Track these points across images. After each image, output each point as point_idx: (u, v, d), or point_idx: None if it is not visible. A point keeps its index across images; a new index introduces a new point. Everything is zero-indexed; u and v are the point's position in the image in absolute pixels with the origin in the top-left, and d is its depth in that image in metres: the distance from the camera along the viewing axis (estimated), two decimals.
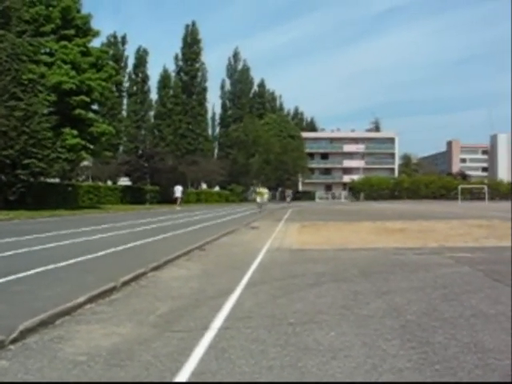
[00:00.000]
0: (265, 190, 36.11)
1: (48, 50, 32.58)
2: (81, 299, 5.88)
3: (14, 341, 4.37)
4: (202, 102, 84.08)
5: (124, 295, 6.60)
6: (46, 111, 28.17)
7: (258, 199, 34.48)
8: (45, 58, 31.02)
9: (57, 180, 38.05)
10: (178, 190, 44.14)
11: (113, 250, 10.92)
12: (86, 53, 33.60)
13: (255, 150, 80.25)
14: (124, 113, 76.92)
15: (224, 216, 28.67)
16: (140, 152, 63.46)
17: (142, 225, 19.93)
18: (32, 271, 7.77)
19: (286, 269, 8.79)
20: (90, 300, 6.06)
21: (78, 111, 31.98)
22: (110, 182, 64.57)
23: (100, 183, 59.71)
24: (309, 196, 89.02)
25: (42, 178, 29.68)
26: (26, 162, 27.04)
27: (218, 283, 7.40)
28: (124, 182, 63.32)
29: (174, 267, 9.17)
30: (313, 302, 5.95)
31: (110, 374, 3.64)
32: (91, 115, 33.97)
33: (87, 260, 9.31)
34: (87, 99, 32.60)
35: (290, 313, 5.43)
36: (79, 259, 9.26)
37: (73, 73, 31.45)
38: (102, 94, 33.99)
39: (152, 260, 9.16)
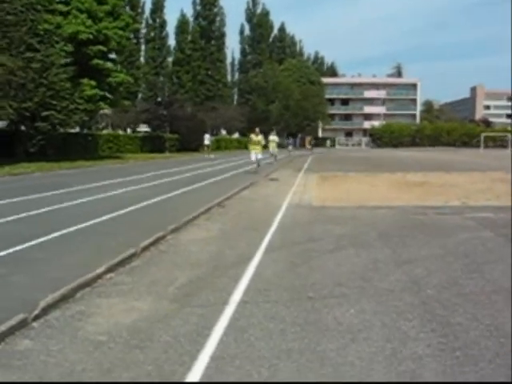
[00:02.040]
0: (273, 138, 31.31)
1: None
2: (100, 269, 5.92)
3: (36, 318, 4.43)
4: (220, 48, 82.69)
5: (143, 262, 6.63)
6: (63, 62, 27.87)
7: (270, 149, 31.10)
8: (60, 7, 30.46)
9: (77, 129, 38.09)
10: (207, 138, 44.23)
11: (133, 207, 10.97)
12: (101, 1, 32.90)
13: (275, 96, 79.31)
14: (142, 60, 76.11)
15: (244, 165, 28.61)
16: (159, 99, 63.10)
17: (163, 176, 19.99)
18: (52, 235, 7.84)
19: (306, 230, 8.77)
20: (110, 269, 6.09)
21: (95, 61, 31.66)
22: (129, 131, 64.62)
23: (120, 131, 59.77)
24: (329, 142, 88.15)
25: (61, 130, 29.68)
26: (45, 114, 27.02)
27: (237, 247, 7.41)
28: (143, 129, 63.35)
29: (194, 228, 9.19)
30: (332, 272, 5.93)
31: (129, 356, 3.67)
32: (109, 65, 33.61)
33: (107, 220, 9.37)
34: (104, 49, 32.19)
35: (309, 285, 5.41)
36: (99, 220, 9.32)
37: (89, 22, 30.95)
38: (119, 43, 33.49)
39: (172, 220, 9.19)
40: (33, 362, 3.59)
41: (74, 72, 28.58)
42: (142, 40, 76.02)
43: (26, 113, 26.12)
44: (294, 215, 10.45)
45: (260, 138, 23.28)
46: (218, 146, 66.99)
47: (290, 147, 50.71)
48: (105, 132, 49.24)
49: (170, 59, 79.92)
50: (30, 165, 25.18)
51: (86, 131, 43.75)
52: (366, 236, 8.18)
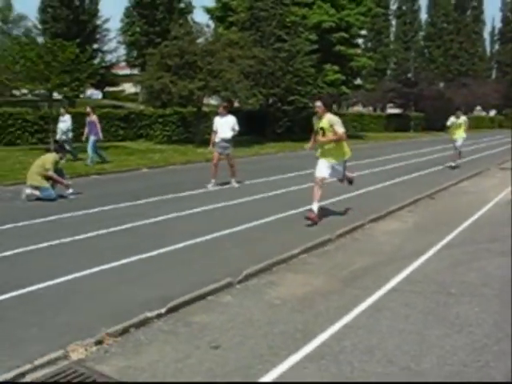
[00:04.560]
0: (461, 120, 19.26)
1: None
2: (297, 250, 7.62)
3: (239, 282, 6.32)
4: (477, 18, 78.19)
5: (335, 247, 8.13)
6: (307, 50, 30.60)
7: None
8: None
9: None
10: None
11: (347, 195, 12.42)
12: None
13: None
14: (392, 37, 76.15)
15: (482, 150, 27.89)
16: (409, 75, 63.08)
17: (394, 161, 21.03)
18: (272, 217, 9.80)
19: (494, 231, 9.25)
20: (305, 251, 7.76)
21: (338, 47, 33.87)
22: (377, 110, 65.84)
23: (366, 110, 61.53)
24: None
25: (304, 113, 32.62)
26: (291, 98, 30.22)
27: (419, 242, 8.41)
28: (391, 109, 64.02)
29: (392, 219, 10.26)
30: (487, 273, 6.71)
31: (290, 317, 5.28)
32: (351, 50, 35.50)
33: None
34: (346, 35, 34.15)
35: (458, 282, 6.35)
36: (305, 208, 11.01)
37: (332, 11, 33.17)
38: (361, 28, 35.10)
39: (376, 210, 10.46)
40: (229, 311, 5.43)
41: (317, 59, 31.18)
42: (391, 17, 75.83)
43: (274, 97, 29.56)
44: (493, 214, 10.75)
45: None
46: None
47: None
48: (350, 111, 51.44)
49: (420, 35, 78.33)
50: (276, 145, 28.48)
51: (333, 110, 46.39)
52: None
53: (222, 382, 3.99)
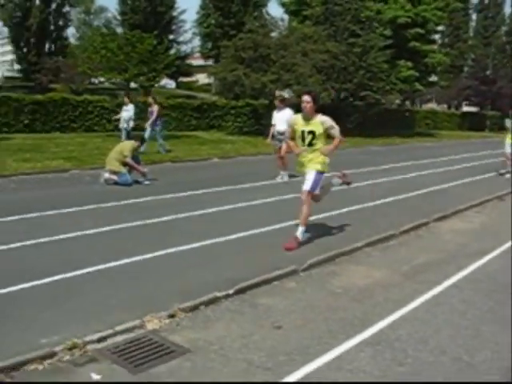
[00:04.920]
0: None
1: None
2: (361, 243, 7.85)
3: (303, 270, 6.62)
4: None
5: (398, 243, 8.28)
6: (381, 45, 30.33)
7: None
8: None
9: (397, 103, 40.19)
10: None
11: (412, 193, 12.46)
12: None
13: None
14: (471, 32, 73.68)
15: None
16: (483, 75, 60.94)
17: (463, 161, 20.68)
18: (336, 211, 10.04)
19: None
20: (369, 244, 7.96)
21: (412, 43, 33.36)
22: (451, 108, 64.11)
23: (440, 108, 60.07)
24: None
25: (376, 109, 32.43)
26: (363, 94, 30.11)
27: (484, 242, 8.40)
28: (467, 107, 62.22)
29: (458, 219, 10.24)
30: None
31: (350, 305, 5.54)
32: (426, 47, 34.86)
33: (383, 204, 11.17)
34: (422, 31, 33.57)
35: None
36: (375, 203, 11.14)
37: (408, 6, 32.67)
38: (438, 24, 34.36)
39: (442, 209, 10.48)
40: (292, 296, 5.76)
41: (391, 54, 30.86)
42: (471, 11, 73.35)
43: (346, 93, 29.54)
44: None
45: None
46: None
47: None
48: (423, 108, 50.52)
49: (502, 30, 75.30)
50: (347, 140, 28.37)
51: (406, 107, 45.75)
52: None
53: (228, 383, 4.03)
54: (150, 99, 19.61)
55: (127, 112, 19.45)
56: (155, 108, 18.90)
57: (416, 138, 34.14)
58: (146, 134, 17.89)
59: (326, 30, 29.37)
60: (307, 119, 7.46)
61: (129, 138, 17.88)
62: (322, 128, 7.41)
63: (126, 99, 20.03)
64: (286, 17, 37.90)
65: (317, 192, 7.64)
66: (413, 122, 42.74)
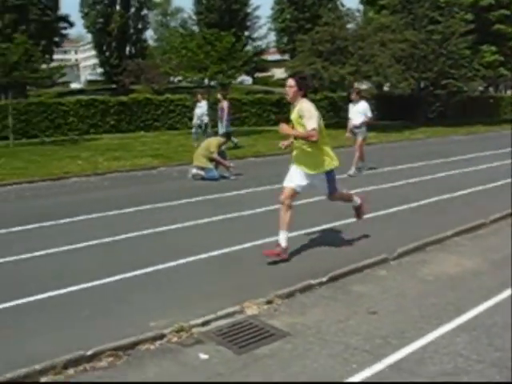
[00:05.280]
0: None
1: None
2: (450, 232, 7.83)
3: (394, 259, 6.73)
4: None
5: (488, 232, 8.16)
6: (462, 31, 29.33)
7: None
8: None
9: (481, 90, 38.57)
10: None
11: (505, 181, 12.12)
12: None
13: None
14: None
15: None
16: None
17: None
18: (415, 203, 10.00)
19: None
20: (458, 233, 7.92)
21: (496, 26, 32.02)
22: None
23: None
24: None
25: (458, 97, 31.45)
26: (444, 82, 29.28)
27: None
28: None
29: None
30: None
31: (442, 292, 5.59)
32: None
33: (472, 193, 11.00)
34: (507, 12, 32.14)
35: None
36: (467, 191, 10.98)
37: None
38: None
39: None
40: (384, 284, 5.91)
41: (473, 40, 29.77)
42: None
43: (426, 82, 28.86)
44: None
45: None
46: None
47: None
48: (507, 95, 48.27)
49: None
50: (428, 130, 27.84)
51: (489, 93, 44.02)
52: None
53: (234, 382, 4.01)
54: (219, 95, 19.46)
55: (200, 109, 19.88)
56: (225, 104, 18.63)
57: (502, 125, 32.77)
58: (220, 130, 18.03)
59: (403, 18, 28.78)
60: (294, 106, 6.62)
61: (204, 133, 18.48)
62: (297, 115, 6.47)
63: (199, 96, 20.39)
64: (361, 7, 37.51)
65: (297, 189, 6.69)
66: (497, 109, 41.08)
